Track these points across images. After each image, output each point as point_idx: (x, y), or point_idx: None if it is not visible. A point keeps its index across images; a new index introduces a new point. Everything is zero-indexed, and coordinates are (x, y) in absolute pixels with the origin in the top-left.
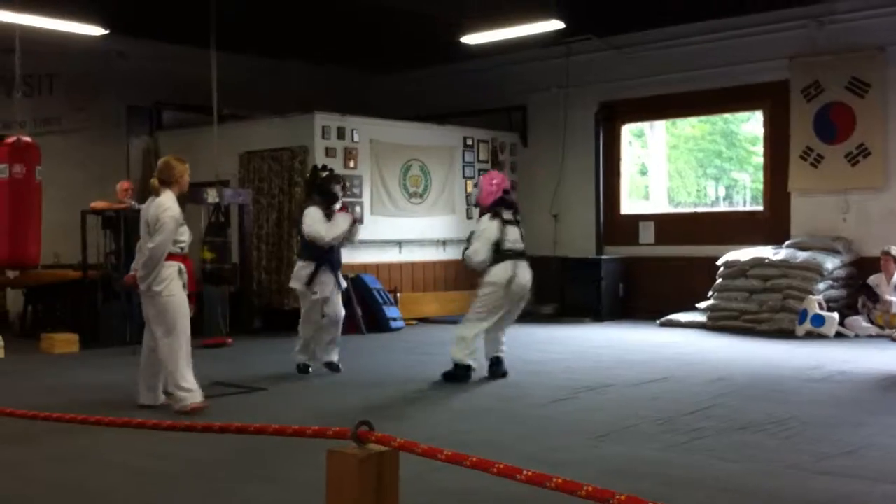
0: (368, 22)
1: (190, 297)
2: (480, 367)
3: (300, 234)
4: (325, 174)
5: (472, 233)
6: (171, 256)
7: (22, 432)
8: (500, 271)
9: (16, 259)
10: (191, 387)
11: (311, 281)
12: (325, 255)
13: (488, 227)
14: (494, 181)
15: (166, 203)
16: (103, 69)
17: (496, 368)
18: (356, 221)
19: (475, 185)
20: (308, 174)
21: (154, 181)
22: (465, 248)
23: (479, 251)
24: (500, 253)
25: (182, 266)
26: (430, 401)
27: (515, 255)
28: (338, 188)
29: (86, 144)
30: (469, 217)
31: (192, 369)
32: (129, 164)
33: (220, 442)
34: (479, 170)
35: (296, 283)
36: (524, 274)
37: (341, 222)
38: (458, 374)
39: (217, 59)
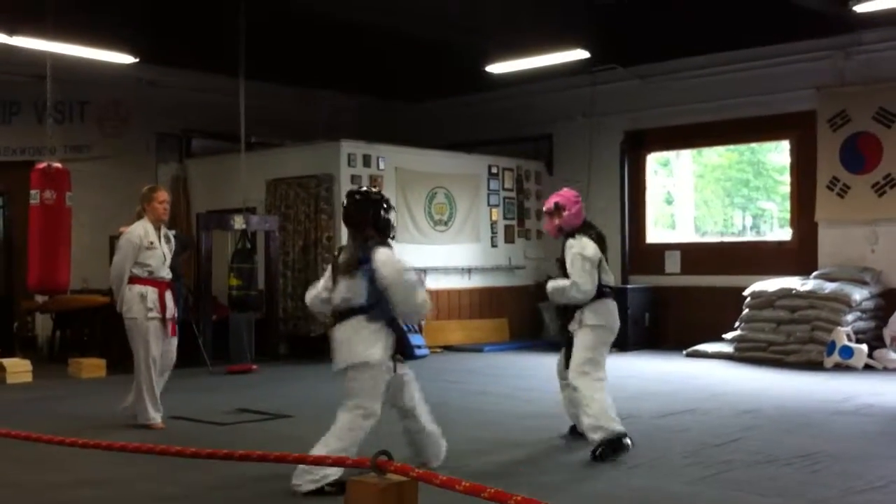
0: (395, 51)
1: (164, 321)
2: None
3: (372, 283)
4: (377, 195)
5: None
6: (137, 280)
7: (48, 457)
8: (611, 308)
9: (45, 284)
10: (147, 409)
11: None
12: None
13: (587, 246)
14: (579, 196)
15: (129, 229)
16: (133, 97)
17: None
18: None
19: (554, 209)
20: (351, 199)
21: (137, 209)
22: (547, 280)
23: (586, 280)
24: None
25: (146, 290)
26: (454, 430)
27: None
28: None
29: (115, 171)
30: (493, 245)
31: (154, 393)
32: None
33: (240, 468)
34: (505, 198)
35: (374, 352)
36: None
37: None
38: (615, 447)
39: (245, 88)
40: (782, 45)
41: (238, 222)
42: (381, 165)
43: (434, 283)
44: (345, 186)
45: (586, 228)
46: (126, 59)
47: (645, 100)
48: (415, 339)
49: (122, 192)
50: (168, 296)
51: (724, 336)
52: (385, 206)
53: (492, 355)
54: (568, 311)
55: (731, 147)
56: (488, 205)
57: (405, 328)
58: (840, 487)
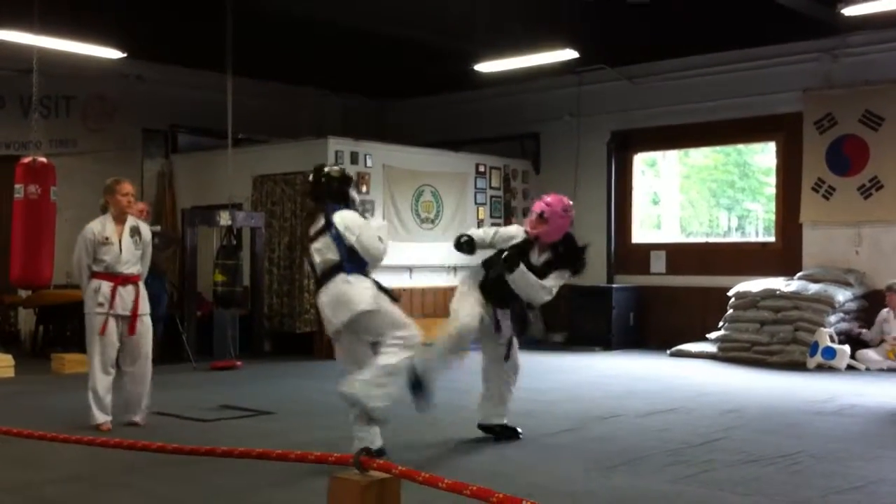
0: (383, 49)
1: (118, 317)
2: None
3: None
4: (337, 173)
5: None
6: (95, 275)
7: (29, 453)
8: None
9: (28, 278)
10: (92, 405)
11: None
12: None
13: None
14: (569, 209)
15: (87, 225)
16: (120, 92)
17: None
18: None
19: (539, 217)
20: (315, 176)
21: (101, 202)
22: (510, 264)
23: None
24: None
25: (100, 285)
26: (437, 428)
27: None
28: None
29: (100, 166)
30: None
31: (98, 393)
32: (143, 186)
33: (223, 465)
34: (492, 196)
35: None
36: None
37: None
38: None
39: (233, 84)
40: (770, 47)
41: (224, 218)
42: (369, 163)
43: (420, 280)
44: None
45: (572, 256)
46: (113, 53)
47: (632, 100)
48: None
49: None
50: (127, 291)
51: (707, 336)
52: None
53: (477, 353)
54: (513, 302)
55: (718, 148)
56: (475, 203)
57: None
58: (821, 487)
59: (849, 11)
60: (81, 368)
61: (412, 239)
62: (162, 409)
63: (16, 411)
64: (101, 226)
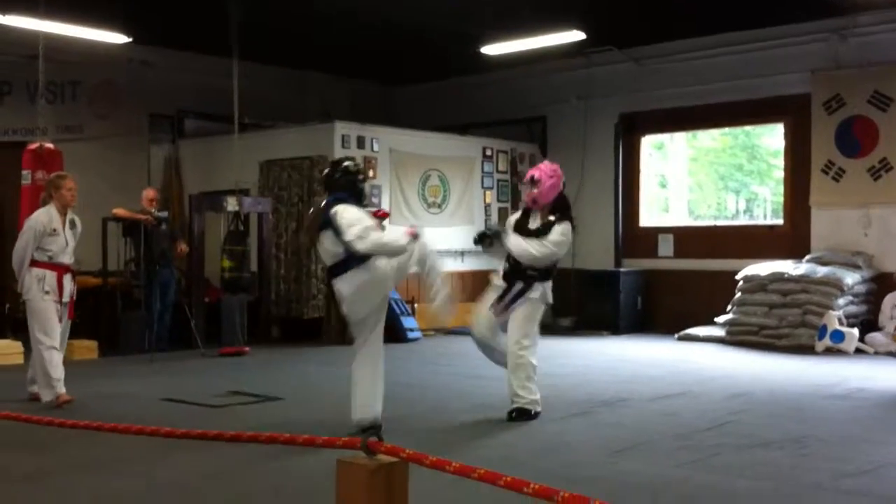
0: (389, 33)
1: (62, 303)
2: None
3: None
4: (353, 167)
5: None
6: (37, 264)
7: (40, 440)
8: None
9: None
10: (48, 384)
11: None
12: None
13: (568, 232)
14: (557, 170)
15: (33, 215)
16: (126, 77)
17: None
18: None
19: (531, 182)
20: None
21: (42, 195)
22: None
23: (554, 257)
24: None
25: (45, 274)
26: (444, 414)
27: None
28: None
29: (107, 152)
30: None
31: (58, 369)
32: (149, 171)
33: (231, 450)
34: (499, 180)
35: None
36: None
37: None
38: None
39: (239, 69)
40: (777, 28)
41: (231, 204)
42: (375, 147)
43: None
44: None
45: (566, 210)
46: (119, 38)
47: (640, 82)
48: (407, 322)
49: (115, 173)
50: (67, 279)
51: (715, 320)
52: (361, 177)
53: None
54: (522, 274)
55: (726, 130)
56: (482, 187)
57: (396, 311)
58: (830, 471)
59: None
60: (90, 355)
61: (419, 223)
62: (171, 395)
63: (26, 398)
64: (48, 218)
